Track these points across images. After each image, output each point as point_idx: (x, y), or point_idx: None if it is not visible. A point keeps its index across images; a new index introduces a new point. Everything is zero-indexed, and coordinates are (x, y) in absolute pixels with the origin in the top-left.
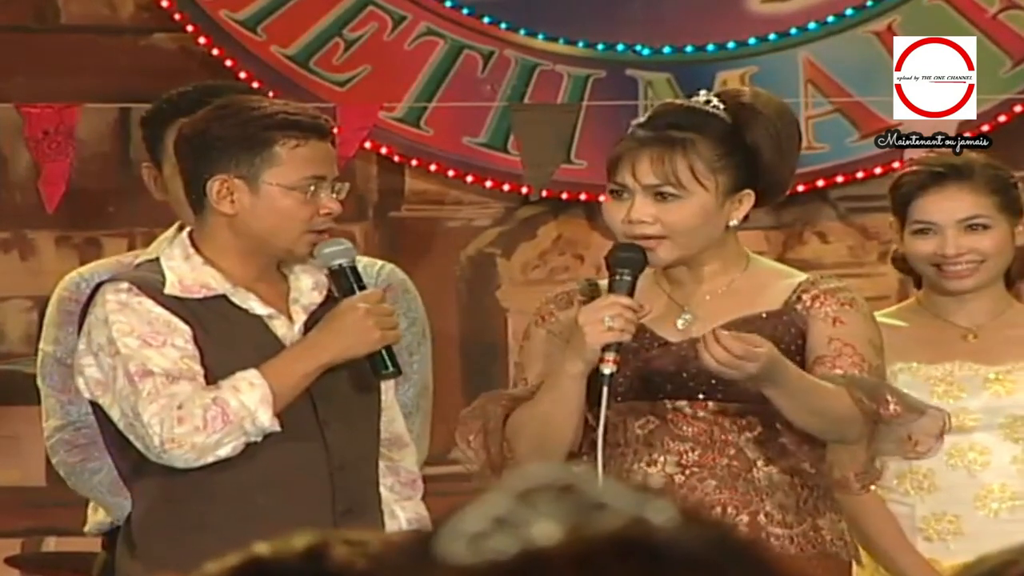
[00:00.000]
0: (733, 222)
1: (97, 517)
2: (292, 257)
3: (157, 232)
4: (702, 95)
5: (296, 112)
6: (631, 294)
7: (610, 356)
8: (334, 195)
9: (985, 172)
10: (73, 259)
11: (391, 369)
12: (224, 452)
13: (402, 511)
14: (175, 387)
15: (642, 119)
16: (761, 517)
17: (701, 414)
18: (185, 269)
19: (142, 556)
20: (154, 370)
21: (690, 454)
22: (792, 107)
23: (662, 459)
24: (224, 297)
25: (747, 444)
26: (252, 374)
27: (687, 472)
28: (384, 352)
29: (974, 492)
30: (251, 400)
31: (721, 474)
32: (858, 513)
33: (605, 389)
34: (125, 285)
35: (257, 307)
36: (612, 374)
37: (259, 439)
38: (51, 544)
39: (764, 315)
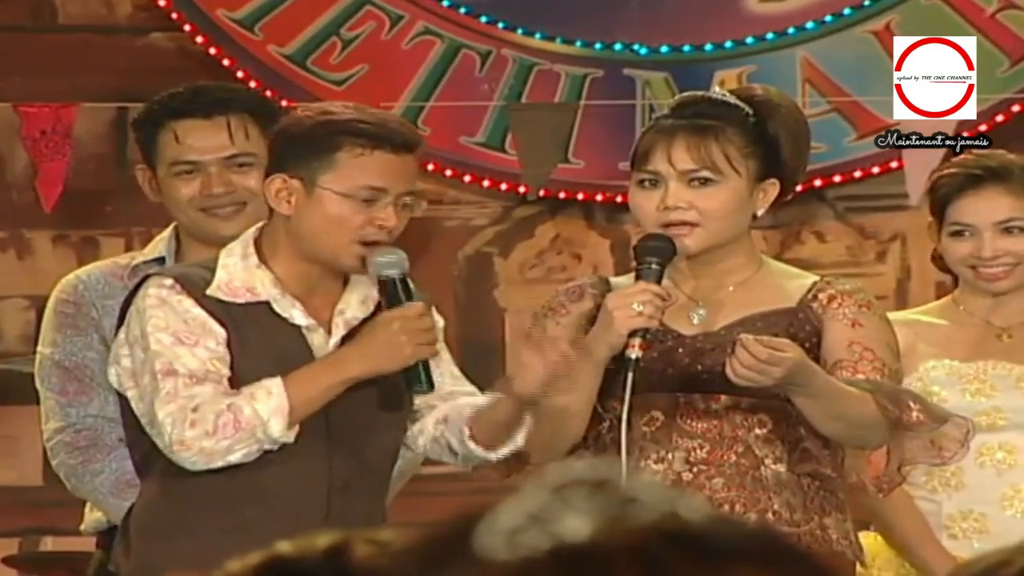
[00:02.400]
0: (760, 211)
1: (94, 515)
2: (340, 266)
3: (155, 232)
4: (716, 91)
5: (372, 120)
6: (659, 283)
7: (636, 341)
8: (402, 209)
9: (1023, 174)
10: (70, 258)
11: (424, 385)
12: (235, 458)
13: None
14: (196, 388)
15: (665, 111)
16: (769, 515)
17: (714, 407)
18: (239, 268)
19: (135, 554)
20: (179, 370)
21: (698, 451)
22: None
23: (670, 456)
24: (267, 304)
25: (756, 441)
26: (274, 383)
27: (695, 470)
28: (421, 366)
29: (1001, 491)
30: (265, 409)
31: (729, 472)
32: (884, 508)
33: (631, 374)
34: (169, 282)
35: (298, 317)
36: (637, 359)
37: (275, 448)
38: (48, 544)
39: (780, 311)
